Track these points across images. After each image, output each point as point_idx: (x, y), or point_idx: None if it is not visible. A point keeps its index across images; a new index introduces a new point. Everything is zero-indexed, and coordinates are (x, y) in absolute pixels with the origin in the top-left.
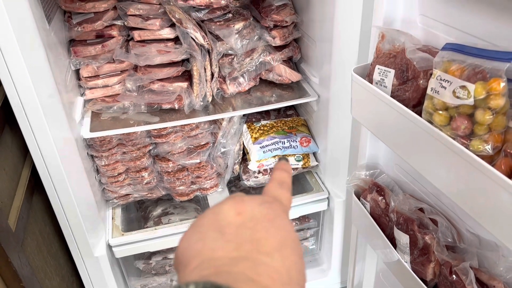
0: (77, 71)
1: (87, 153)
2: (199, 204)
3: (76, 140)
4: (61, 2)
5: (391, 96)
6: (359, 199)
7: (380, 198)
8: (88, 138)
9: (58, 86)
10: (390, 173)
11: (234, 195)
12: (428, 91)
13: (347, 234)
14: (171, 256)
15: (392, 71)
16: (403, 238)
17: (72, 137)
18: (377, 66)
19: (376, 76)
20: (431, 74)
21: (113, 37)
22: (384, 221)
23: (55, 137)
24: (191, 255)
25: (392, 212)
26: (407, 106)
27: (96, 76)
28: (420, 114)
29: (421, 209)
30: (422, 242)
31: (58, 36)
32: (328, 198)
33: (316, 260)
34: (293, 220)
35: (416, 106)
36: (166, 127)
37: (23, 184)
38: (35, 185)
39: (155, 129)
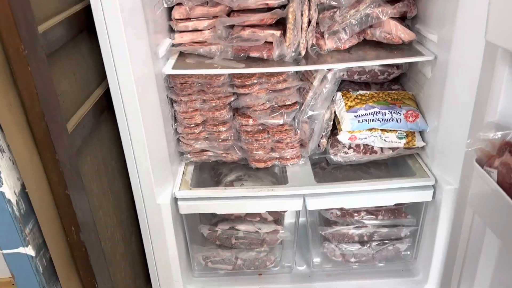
0: (169, 12)
1: (167, 96)
2: (276, 177)
3: (157, 76)
4: None
5: None
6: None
7: None
8: (169, 80)
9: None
10: None
11: None
12: None
13: (454, 239)
14: (239, 227)
15: None
16: None
17: (151, 65)
18: None
19: None
20: None
21: None
22: None
23: (133, 59)
24: None
25: None
26: None
27: (187, 19)
28: None
29: None
30: None
31: None
32: (434, 186)
33: (409, 270)
34: (386, 212)
35: None
36: (251, 78)
37: (93, 100)
38: (108, 113)
39: (239, 78)
